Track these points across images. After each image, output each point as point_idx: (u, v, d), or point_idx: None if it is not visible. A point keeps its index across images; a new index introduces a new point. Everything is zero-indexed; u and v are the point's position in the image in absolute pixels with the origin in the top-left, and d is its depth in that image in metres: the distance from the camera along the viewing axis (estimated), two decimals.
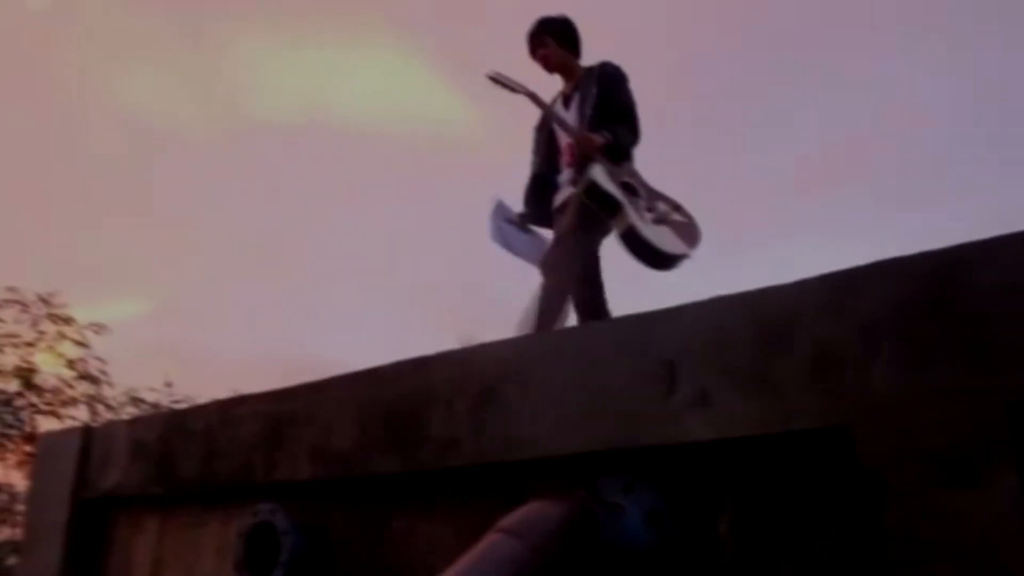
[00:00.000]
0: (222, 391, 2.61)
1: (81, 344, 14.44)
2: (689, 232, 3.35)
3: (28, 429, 13.80)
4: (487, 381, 1.63)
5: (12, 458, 14.03)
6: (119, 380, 14.60)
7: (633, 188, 3.38)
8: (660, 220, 3.32)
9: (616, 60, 3.69)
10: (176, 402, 12.52)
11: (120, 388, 14.51)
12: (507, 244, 3.65)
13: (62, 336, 14.43)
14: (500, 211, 3.73)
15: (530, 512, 1.37)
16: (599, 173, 3.32)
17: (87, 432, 2.67)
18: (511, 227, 3.69)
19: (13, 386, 14.21)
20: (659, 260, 3.29)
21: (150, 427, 2.52)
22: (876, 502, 1.15)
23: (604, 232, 3.43)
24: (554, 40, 3.70)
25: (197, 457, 2.23)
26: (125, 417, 11.16)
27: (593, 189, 3.32)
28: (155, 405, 13.42)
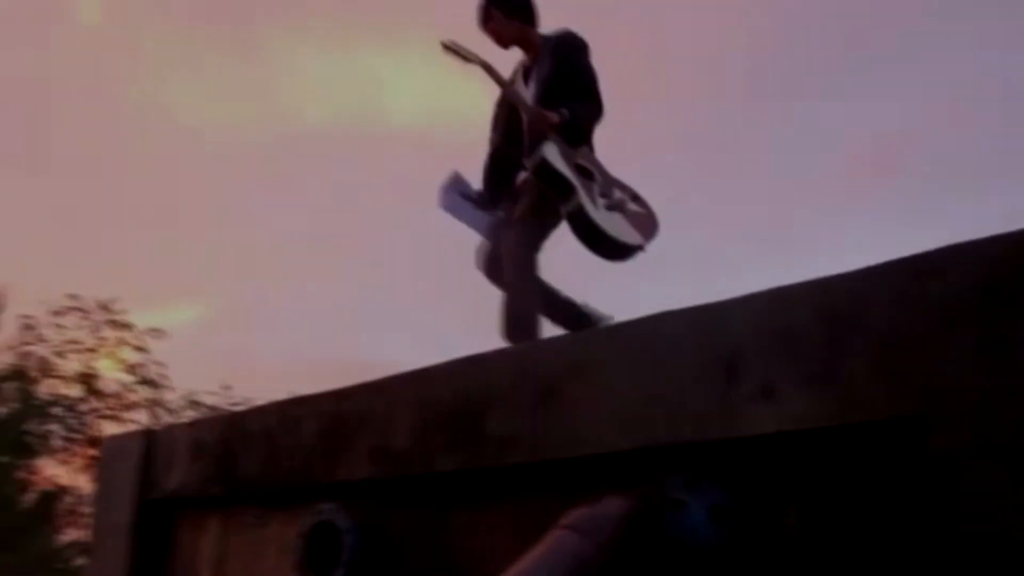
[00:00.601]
0: (279, 393, 2.61)
1: (140, 349, 14.72)
2: (645, 223, 3.14)
3: (91, 433, 14.08)
4: (546, 378, 1.61)
5: (77, 462, 14.33)
6: (178, 384, 14.85)
7: (588, 172, 3.15)
8: (614, 207, 3.10)
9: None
10: (234, 404, 12.67)
11: (179, 392, 14.76)
12: (457, 214, 3.42)
13: (122, 342, 14.72)
14: (457, 184, 3.49)
15: (594, 509, 1.36)
16: (551, 151, 3.08)
17: (149, 435, 2.71)
18: (466, 203, 3.46)
19: (76, 392, 14.52)
20: (610, 248, 3.09)
21: (210, 429, 2.54)
22: (950, 495, 1.12)
23: (556, 217, 3.18)
24: (501, 13, 3.40)
25: (257, 458, 2.24)
26: (185, 420, 11.31)
27: (543, 168, 3.09)
28: (214, 408, 13.61)
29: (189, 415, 13.56)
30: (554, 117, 3.13)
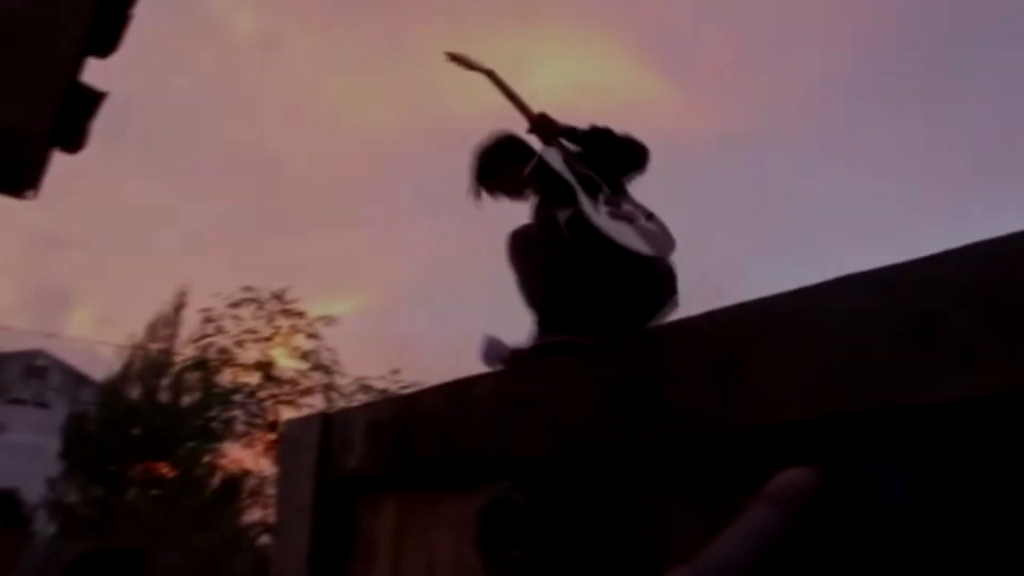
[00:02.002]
0: (445, 376, 2.57)
1: (313, 336, 15.30)
2: (658, 239, 2.76)
3: (271, 418, 14.76)
4: (725, 347, 1.56)
5: (259, 445, 15.06)
6: (348, 369, 15.38)
7: (594, 182, 2.83)
8: (621, 217, 2.74)
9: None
10: (403, 388, 13.00)
11: (350, 377, 15.28)
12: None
13: (295, 330, 15.34)
14: (495, 350, 3.15)
15: (787, 480, 1.31)
16: (550, 153, 2.85)
17: (326, 418, 2.79)
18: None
19: (255, 379, 15.24)
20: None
21: (385, 411, 2.60)
22: None
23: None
24: (492, 179, 3.13)
25: (432, 437, 2.27)
26: (357, 404, 11.68)
27: (540, 168, 2.86)
28: (383, 392, 14.01)
29: (360, 399, 14.00)
30: (563, 125, 2.93)
